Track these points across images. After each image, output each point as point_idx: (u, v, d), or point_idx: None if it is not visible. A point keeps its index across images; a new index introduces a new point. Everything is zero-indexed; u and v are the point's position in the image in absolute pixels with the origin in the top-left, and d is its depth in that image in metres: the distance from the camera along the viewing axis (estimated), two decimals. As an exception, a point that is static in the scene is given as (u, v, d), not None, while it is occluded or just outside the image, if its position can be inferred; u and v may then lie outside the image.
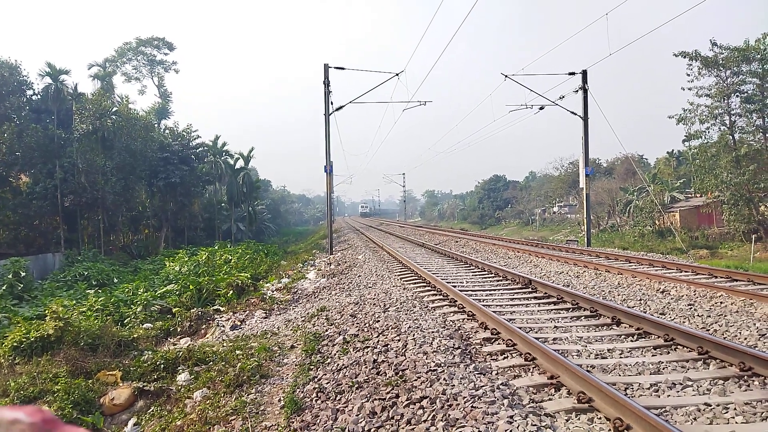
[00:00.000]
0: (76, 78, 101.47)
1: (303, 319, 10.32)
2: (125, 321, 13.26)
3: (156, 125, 52.04)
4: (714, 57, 32.98)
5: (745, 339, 6.58)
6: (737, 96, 33.13)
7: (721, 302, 9.06)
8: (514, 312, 8.66)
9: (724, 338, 6.50)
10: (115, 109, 41.51)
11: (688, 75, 34.16)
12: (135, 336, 10.49)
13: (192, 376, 7.58)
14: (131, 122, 41.17)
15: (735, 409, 4.42)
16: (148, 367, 8.25)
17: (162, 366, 8.15)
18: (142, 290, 17.74)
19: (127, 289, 18.50)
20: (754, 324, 7.13)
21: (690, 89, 34.36)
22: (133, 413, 7.35)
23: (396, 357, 6.27)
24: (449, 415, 4.43)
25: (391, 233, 37.92)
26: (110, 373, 8.31)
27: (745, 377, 5.14)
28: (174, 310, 13.53)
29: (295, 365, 7.28)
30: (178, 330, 11.82)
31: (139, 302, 14.55)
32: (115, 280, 25.80)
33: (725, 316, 7.76)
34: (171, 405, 7.15)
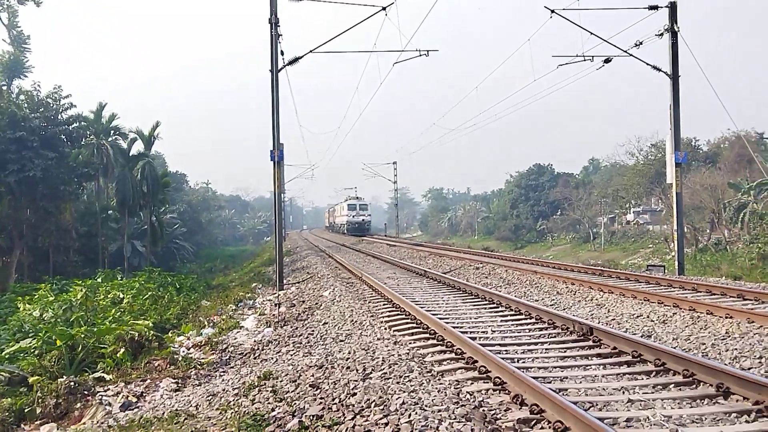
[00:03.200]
0: None
1: (236, 392, 10.25)
2: (-46, 398, 13.08)
3: (4, 88, 51.66)
4: None
5: None
6: None
7: None
8: (566, 378, 8.70)
9: None
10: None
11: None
12: (-31, 422, 10.34)
13: (59, 485, 7.48)
14: (-36, 83, 40.77)
15: None
16: (-11, 471, 8.13)
17: (11, 469, 8.04)
18: (-20, 348, 17.53)
19: (-43, 347, 18.28)
20: None
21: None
22: None
23: (382, 451, 6.26)
24: None
25: (375, 255, 37.96)
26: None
27: None
28: (31, 379, 13.38)
29: (223, 466, 7.22)
30: (38, 411, 11.67)
31: (-25, 368, 14.37)
32: (-62, 333, 25.46)
33: None
34: None
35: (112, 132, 56.90)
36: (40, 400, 11.96)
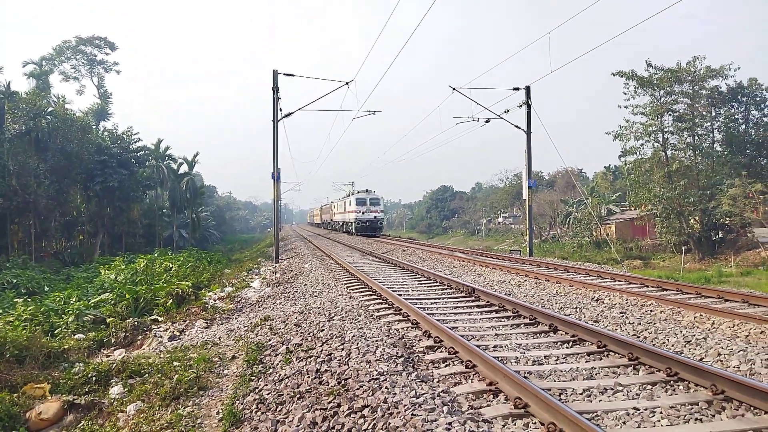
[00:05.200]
0: (9, 76, 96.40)
1: (246, 328, 10.13)
2: (56, 331, 12.65)
3: (94, 127, 50.07)
4: (649, 77, 34.82)
5: (672, 345, 6.93)
6: (670, 115, 35.07)
7: (651, 310, 9.52)
8: (458, 320, 8.79)
9: (653, 345, 6.83)
10: (50, 109, 39.74)
11: (625, 93, 35.95)
12: (66, 347, 10.01)
13: (126, 389, 7.29)
14: (67, 123, 39.40)
15: (661, 412, 4.65)
16: (79, 379, 7.88)
17: (94, 378, 7.80)
18: (74, 299, 16.94)
19: (58, 298, 17.62)
20: (681, 331, 7.53)
21: (626, 107, 36.15)
22: (62, 428, 6.99)
23: (339, 366, 6.26)
24: (389, 423, 4.46)
25: (339, 242, 37.78)
26: (38, 386, 7.89)
27: (671, 382, 5.41)
28: (108, 320, 13.01)
29: (236, 376, 7.13)
30: (113, 341, 11.36)
31: (71, 312, 13.90)
32: (46, 289, 24.54)
33: (654, 323, 8.15)
34: (103, 419, 6.85)
35: (166, 157, 55.58)
36: (114, 334, 11.66)
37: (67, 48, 58.60)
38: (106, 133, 48.52)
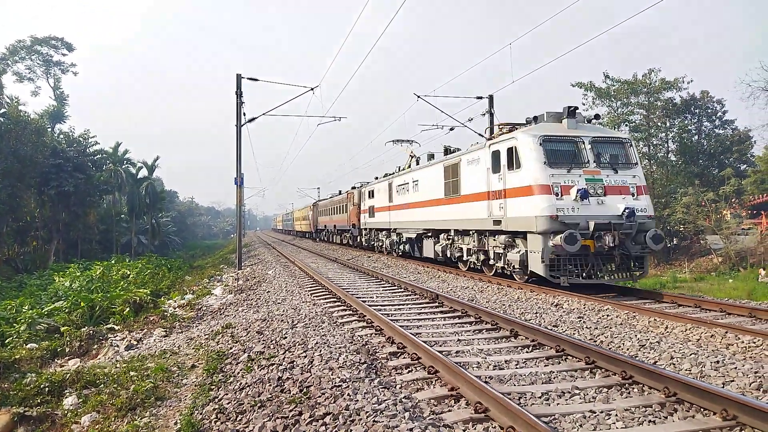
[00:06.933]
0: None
1: (206, 336, 9.95)
2: (6, 341, 12.18)
3: (49, 129, 48.43)
4: (607, 88, 35.87)
5: (627, 350, 7.14)
6: (626, 125, 36.16)
7: (607, 315, 9.78)
8: (421, 326, 8.85)
9: (609, 349, 7.03)
10: (2, 110, 38.27)
11: (584, 104, 36.90)
12: (17, 357, 9.64)
13: (80, 400, 7.07)
14: (21, 125, 37.99)
15: (616, 415, 4.79)
16: (31, 390, 7.60)
17: (47, 389, 7.54)
18: (27, 307, 16.32)
19: (9, 306, 16.95)
20: (636, 335, 7.76)
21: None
22: (10, 443, 6.73)
23: (301, 374, 6.22)
24: (351, 430, 4.46)
25: (303, 248, 37.55)
26: (-15, 398, 7.57)
27: (626, 385, 5.58)
28: (62, 329, 12.58)
29: (195, 386, 7.00)
30: (67, 350, 10.97)
31: (23, 320, 13.39)
32: (-4, 297, 23.59)
33: (611, 328, 8.38)
34: (55, 431, 6.63)
35: (125, 161, 54.31)
36: (68, 343, 11.27)
37: (21, 47, 56.43)
38: (61, 136, 47.05)
